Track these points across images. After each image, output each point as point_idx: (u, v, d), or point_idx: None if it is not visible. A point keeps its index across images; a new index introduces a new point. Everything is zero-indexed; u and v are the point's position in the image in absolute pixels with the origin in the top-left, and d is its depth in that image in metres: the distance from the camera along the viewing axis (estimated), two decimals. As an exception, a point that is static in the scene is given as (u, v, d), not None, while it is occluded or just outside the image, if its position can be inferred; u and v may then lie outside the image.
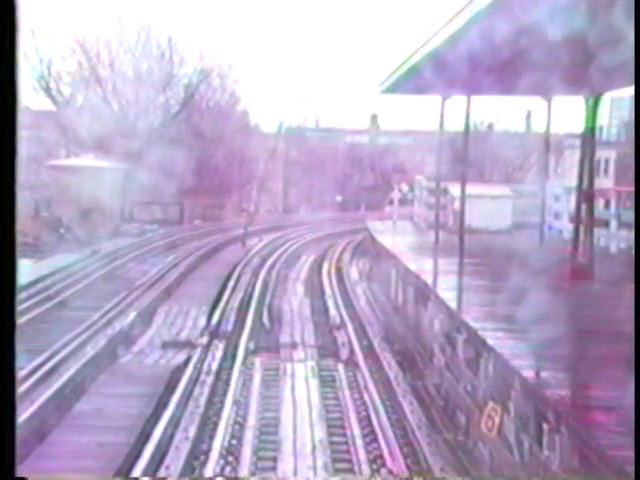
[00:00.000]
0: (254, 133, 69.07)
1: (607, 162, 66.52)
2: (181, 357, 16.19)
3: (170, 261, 28.89)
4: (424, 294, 15.80)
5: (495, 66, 18.60)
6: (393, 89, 23.60)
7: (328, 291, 24.39)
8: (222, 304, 21.35)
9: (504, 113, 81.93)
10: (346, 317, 20.28)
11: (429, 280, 16.15)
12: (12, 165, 3.07)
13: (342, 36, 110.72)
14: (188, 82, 62.73)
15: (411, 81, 21.97)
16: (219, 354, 16.38)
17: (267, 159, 70.27)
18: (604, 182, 58.95)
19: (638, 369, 5.72)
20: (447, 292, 14.48)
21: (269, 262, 30.12)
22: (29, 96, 57.60)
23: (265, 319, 20.06)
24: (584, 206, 16.98)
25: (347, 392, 14.29)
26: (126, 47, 61.00)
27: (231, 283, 24.63)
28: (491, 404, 10.73)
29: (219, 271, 27.21)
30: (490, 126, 75.76)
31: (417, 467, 10.76)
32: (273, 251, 33.62)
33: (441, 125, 23.96)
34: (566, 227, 24.90)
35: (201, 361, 15.79)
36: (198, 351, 16.46)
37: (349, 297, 23.42)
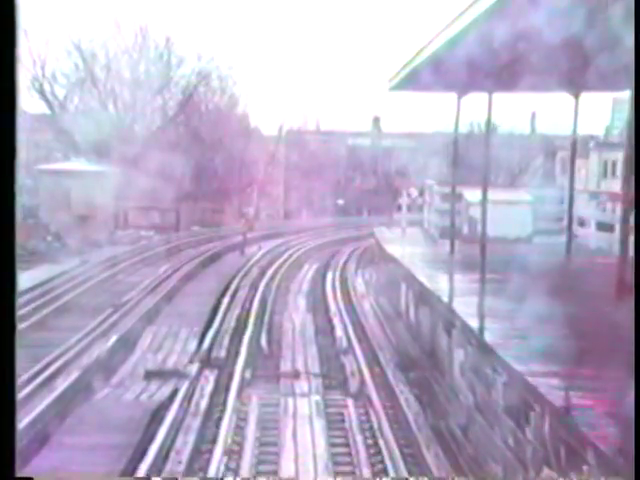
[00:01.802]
0: (254, 136, 67.13)
1: (614, 164, 64.51)
2: (166, 390, 13.87)
3: (162, 272, 26.59)
4: (445, 318, 13.51)
5: (518, 60, 16.43)
6: (402, 86, 21.39)
7: (333, 307, 22.08)
8: (216, 323, 19.02)
9: (508, 114, 79.18)
10: (354, 339, 17.97)
11: (449, 301, 13.85)
12: (12, 167, 3.15)
13: (343, 37, 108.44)
14: (186, 84, 60.96)
15: (422, 77, 19.80)
16: (210, 387, 14.07)
17: (267, 163, 68.41)
18: (613, 184, 56.90)
19: (638, 369, 5.74)
20: (474, 318, 12.18)
21: (269, 273, 27.80)
22: (22, 98, 55.49)
23: (263, 341, 17.73)
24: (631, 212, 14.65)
25: (359, 437, 11.99)
26: (123, 48, 59.08)
27: (227, 298, 22.30)
28: (546, 471, 8.46)
29: (215, 284, 24.88)
30: (494, 128, 73.81)
31: None
32: (273, 260, 31.29)
33: (456, 124, 21.68)
34: (593, 235, 22.61)
35: (188, 397, 13.48)
36: (186, 383, 14.17)
37: (356, 314, 21.11)
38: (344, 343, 17.50)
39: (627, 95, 22.55)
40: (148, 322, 19.06)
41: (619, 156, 60.58)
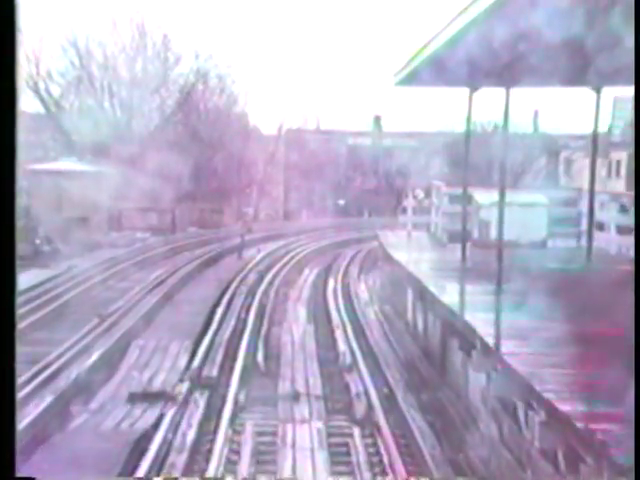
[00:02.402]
0: (253, 135, 65.79)
1: (619, 163, 63.17)
2: (150, 416, 12.36)
3: (155, 278, 25.06)
4: (462, 336, 12.02)
5: (537, 51, 14.95)
6: (409, 81, 19.88)
7: (335, 316, 20.55)
8: (209, 336, 17.47)
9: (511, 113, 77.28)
10: (358, 354, 16.43)
11: (466, 316, 12.31)
12: (12, 167, 3.10)
13: (343, 35, 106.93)
14: (184, 82, 59.64)
15: (431, 72, 18.34)
16: (199, 413, 12.56)
17: (267, 162, 67.03)
18: (618, 184, 55.48)
19: (638, 369, 5.68)
20: (497, 339, 10.66)
21: (267, 278, 26.27)
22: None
23: (260, 357, 16.20)
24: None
25: (367, 474, 10.49)
26: (120, 46, 57.73)
27: (222, 307, 20.75)
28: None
29: (210, 291, 23.35)
30: (496, 126, 72.36)
31: None
32: (272, 264, 29.74)
33: (468, 121, 20.20)
34: (613, 240, 21.11)
35: (175, 425, 11.97)
36: (173, 408, 12.66)
37: (360, 325, 19.58)
38: (348, 359, 15.98)
39: (629, 94, 20.87)
40: (136, 335, 17.54)
41: (623, 155, 59.22)
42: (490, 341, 10.50)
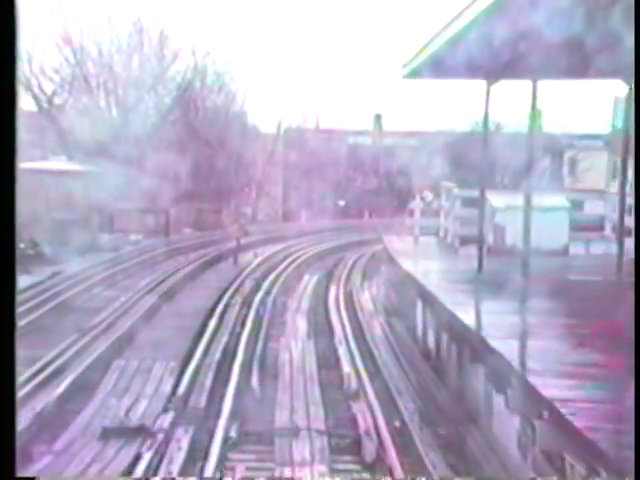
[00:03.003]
0: (252, 134, 64.05)
1: (615, 163, 61.36)
2: (125, 459, 10.50)
3: (143, 286, 23.17)
4: (493, 370, 10.18)
5: (568, 41, 13.14)
6: (420, 73, 18.10)
7: (338, 330, 18.67)
8: (198, 355, 15.58)
9: (514, 113, 75.64)
10: (365, 376, 14.55)
11: (497, 344, 10.44)
12: (12, 167, 3.32)
13: (343, 32, 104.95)
14: (181, 79, 58.01)
15: (445, 62, 16.59)
16: (182, 455, 10.68)
17: (265, 161, 65.32)
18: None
19: (638, 369, 5.87)
20: (537, 376, 8.80)
21: (264, 286, 24.37)
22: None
23: (254, 381, 14.32)
24: None
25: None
26: (116, 44, 56.07)
27: (214, 320, 18.85)
28: None
29: (201, 301, 21.46)
30: (498, 126, 70.85)
31: None
32: (270, 271, 27.85)
33: (486, 116, 18.36)
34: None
35: (152, 469, 10.12)
36: (152, 448, 10.79)
37: (365, 341, 17.69)
38: (354, 384, 14.09)
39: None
40: (117, 353, 15.67)
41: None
42: (530, 377, 8.65)
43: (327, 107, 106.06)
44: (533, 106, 14.94)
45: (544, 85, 17.21)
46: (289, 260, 30.88)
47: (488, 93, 17.49)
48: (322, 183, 64.63)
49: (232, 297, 22.16)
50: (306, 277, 27.51)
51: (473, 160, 55.52)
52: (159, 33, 56.72)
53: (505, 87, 18.61)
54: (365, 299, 23.41)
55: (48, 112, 54.84)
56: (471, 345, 11.36)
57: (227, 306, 20.80)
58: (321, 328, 19.36)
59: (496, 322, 12.04)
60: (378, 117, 75.67)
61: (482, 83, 17.60)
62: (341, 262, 31.48)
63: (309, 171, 65.18)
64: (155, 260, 29.13)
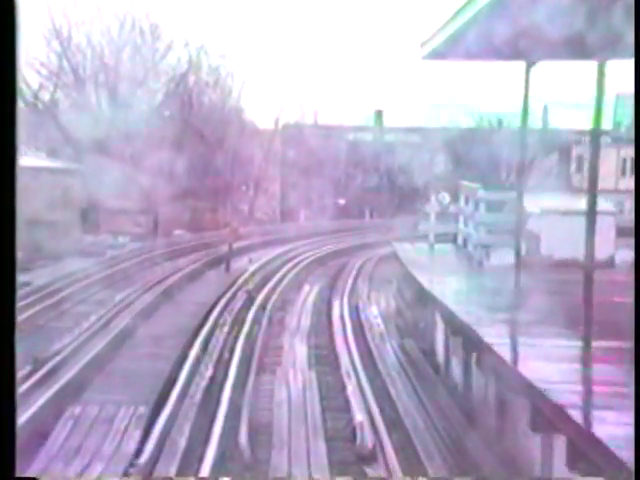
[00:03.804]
0: (249, 130, 61.17)
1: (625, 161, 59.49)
2: None
3: (120, 301, 20.13)
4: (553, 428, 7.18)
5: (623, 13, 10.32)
6: (441, 53, 15.10)
7: (344, 358, 15.58)
8: (175, 397, 12.52)
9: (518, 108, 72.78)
10: (382, 427, 11.52)
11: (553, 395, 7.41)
12: (12, 167, 3.10)
13: (342, 24, 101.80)
14: (173, 72, 55.34)
15: (474, 41, 13.70)
16: None
17: (263, 158, 62.51)
18: (631, 183, 50.87)
19: (638, 369, 5.71)
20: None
21: (259, 300, 21.27)
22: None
23: (244, 434, 11.26)
24: None
25: None
26: (107, 36, 53.38)
27: (197, 347, 15.71)
28: None
29: (185, 320, 18.36)
30: (500, 122, 68.39)
31: None
32: (266, 280, 24.73)
33: (525, 101, 15.34)
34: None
35: None
36: None
37: (378, 372, 14.63)
38: (367, 437, 11.04)
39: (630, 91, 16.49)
40: (75, 394, 12.60)
41: (630, 152, 55.26)
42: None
43: (326, 102, 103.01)
44: (600, 91, 11.87)
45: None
46: (287, 267, 27.78)
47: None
48: (321, 181, 61.94)
49: (221, 314, 19.05)
50: (306, 287, 24.44)
51: (478, 157, 52.86)
52: (151, 25, 54.13)
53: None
54: (373, 315, 20.34)
55: (34, 106, 51.89)
56: (527, 401, 8.32)
57: (215, 327, 17.70)
58: (324, 354, 16.32)
59: (548, 354, 8.98)
60: (379, 113, 73.21)
61: (485, 71, 14.57)
62: (344, 269, 28.39)
63: (308, 168, 62.42)
64: (138, 267, 26.07)
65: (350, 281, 25.50)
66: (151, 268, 26.22)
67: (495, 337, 10.22)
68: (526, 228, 17.12)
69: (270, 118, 65.63)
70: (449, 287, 15.14)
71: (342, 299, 22.14)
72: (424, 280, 15.53)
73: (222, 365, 14.80)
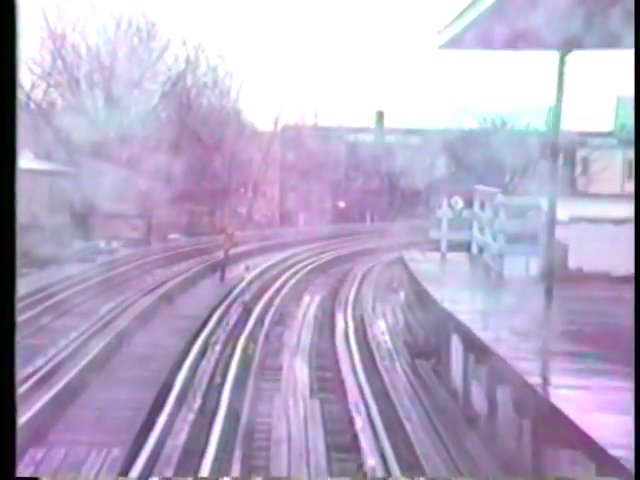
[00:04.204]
0: (248, 131, 59.47)
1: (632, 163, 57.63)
2: None
3: (102, 316, 18.31)
4: None
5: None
6: (459, 42, 13.45)
7: (351, 383, 13.75)
8: (155, 435, 10.72)
9: (522, 109, 71.42)
10: (397, 472, 9.74)
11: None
12: (12, 167, 3.09)
13: (342, 23, 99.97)
14: (170, 72, 53.85)
15: (497, 28, 12.17)
16: None
17: (262, 160, 60.96)
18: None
19: (638, 370, 5.63)
20: None
21: (256, 313, 19.47)
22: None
23: (235, 482, 9.49)
24: None
25: None
26: (103, 35, 51.85)
27: (185, 371, 13.89)
28: None
29: (173, 339, 16.47)
30: (503, 123, 66.98)
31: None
32: (263, 290, 22.92)
33: (559, 92, 13.59)
34: None
35: None
36: None
37: (390, 402, 12.81)
38: (383, 490, 9.26)
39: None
40: (38, 431, 10.79)
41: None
42: None
43: (326, 103, 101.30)
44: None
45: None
46: (286, 275, 25.96)
47: (562, 64, 12.75)
48: (321, 183, 60.49)
49: (213, 331, 17.22)
50: (306, 298, 22.65)
51: (480, 159, 51.04)
52: (148, 23, 52.71)
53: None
54: (381, 331, 18.54)
55: (26, 106, 50.19)
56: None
57: (205, 346, 15.88)
58: (328, 378, 14.52)
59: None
60: (380, 114, 71.71)
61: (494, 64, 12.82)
62: (347, 278, 26.57)
63: (307, 171, 61.04)
64: (127, 276, 24.27)
65: (353, 291, 23.67)
66: (140, 277, 24.42)
67: (537, 376, 8.46)
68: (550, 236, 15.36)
69: (269, 119, 64.07)
70: (469, 305, 13.39)
71: (345, 312, 20.33)
72: (438, 295, 13.77)
73: (213, 393, 13.02)
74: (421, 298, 15.11)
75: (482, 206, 18.09)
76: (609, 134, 61.36)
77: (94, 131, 44.87)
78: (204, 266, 27.05)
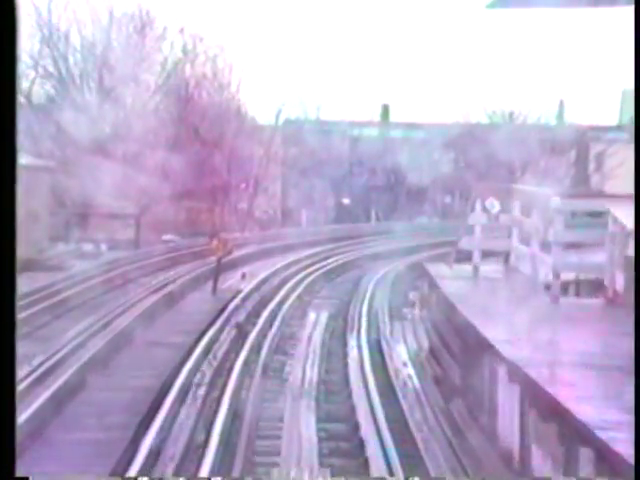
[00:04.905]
0: (249, 126, 56.47)
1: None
2: None
3: (68, 341, 14.99)
4: None
5: None
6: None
7: (372, 441, 10.49)
8: None
9: (532, 102, 68.88)
10: None
11: None
12: (12, 167, 3.17)
13: (346, 15, 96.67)
14: (168, 61, 51.37)
15: None
16: None
17: (263, 155, 58.32)
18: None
19: (638, 369, 5.95)
20: None
21: (252, 337, 16.12)
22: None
23: None
24: None
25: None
26: (97, 24, 49.37)
27: (158, 425, 10.55)
28: None
29: (141, 382, 13.01)
30: (511, 116, 64.70)
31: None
32: (261, 306, 19.55)
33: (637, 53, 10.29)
34: None
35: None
36: None
37: (424, 467, 9.62)
38: None
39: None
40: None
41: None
42: None
43: (329, 97, 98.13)
44: None
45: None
46: (288, 286, 22.55)
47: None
48: (324, 179, 58.03)
49: (198, 365, 13.85)
50: (312, 316, 19.30)
51: (490, 154, 47.98)
52: (142, 11, 50.18)
53: None
54: (402, 359, 15.21)
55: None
56: None
57: (187, 387, 12.54)
58: (341, 434, 11.20)
59: None
60: (385, 107, 69.56)
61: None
62: (357, 289, 23.13)
63: (310, 166, 58.29)
64: (105, 287, 20.93)
65: (366, 306, 20.27)
66: (116, 290, 21.05)
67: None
68: (624, 252, 12.13)
69: (271, 113, 61.58)
70: (523, 339, 10.11)
71: (359, 334, 16.91)
72: (478, 322, 10.48)
73: (191, 459, 9.74)
74: (451, 320, 11.85)
75: (526, 210, 14.81)
76: (619, 128, 58.55)
77: (84, 124, 42.27)
78: (195, 274, 23.68)
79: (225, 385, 12.69)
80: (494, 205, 15.67)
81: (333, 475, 8.97)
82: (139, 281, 22.42)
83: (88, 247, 30.02)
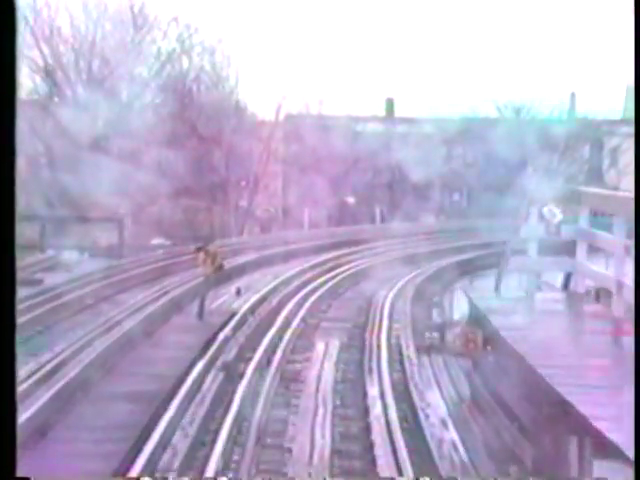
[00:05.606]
0: (249, 121, 55.32)
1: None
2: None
3: (23, 380, 11.47)
4: None
5: None
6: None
7: None
8: None
9: (541, 96, 67.04)
10: None
11: None
12: (12, 167, 3.18)
13: (349, 6, 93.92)
14: (161, 52, 49.08)
15: None
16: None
17: (263, 152, 55.68)
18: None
19: (638, 369, 5.77)
20: None
21: (244, 382, 12.61)
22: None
23: None
24: None
25: None
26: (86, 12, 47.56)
27: None
28: None
29: (112, 434, 9.57)
30: (517, 111, 63.15)
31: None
32: (257, 333, 15.99)
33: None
34: None
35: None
36: None
37: None
38: None
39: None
40: None
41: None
42: None
43: (332, 91, 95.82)
44: None
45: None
46: (290, 306, 18.92)
47: None
48: (327, 176, 55.92)
49: (175, 423, 10.26)
50: (320, 347, 15.73)
51: (501, 150, 45.07)
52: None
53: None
54: (438, 417, 11.68)
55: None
56: None
57: (154, 461, 9.01)
58: None
59: None
60: (390, 101, 67.53)
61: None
62: (371, 310, 19.39)
63: (312, 163, 56.39)
64: (69, 311, 17.35)
65: (384, 333, 16.60)
66: (86, 313, 17.51)
67: None
68: None
69: (271, 107, 60.22)
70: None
71: (380, 378, 13.32)
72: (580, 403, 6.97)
73: None
74: (504, 361, 8.37)
75: (600, 222, 11.31)
76: (628, 122, 56.37)
77: (69, 117, 40.23)
78: (181, 291, 20.06)
79: (209, 457, 9.16)
80: (555, 214, 12.13)
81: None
82: (115, 300, 18.89)
83: (66, 255, 26.59)
